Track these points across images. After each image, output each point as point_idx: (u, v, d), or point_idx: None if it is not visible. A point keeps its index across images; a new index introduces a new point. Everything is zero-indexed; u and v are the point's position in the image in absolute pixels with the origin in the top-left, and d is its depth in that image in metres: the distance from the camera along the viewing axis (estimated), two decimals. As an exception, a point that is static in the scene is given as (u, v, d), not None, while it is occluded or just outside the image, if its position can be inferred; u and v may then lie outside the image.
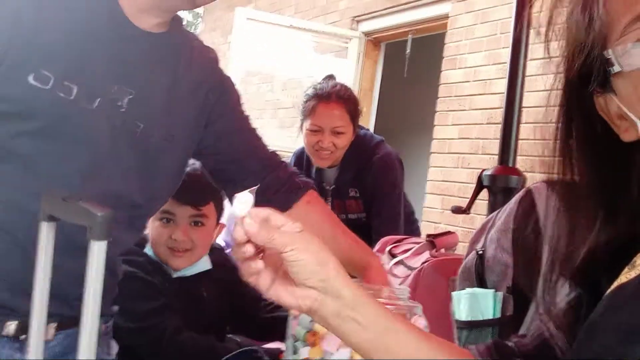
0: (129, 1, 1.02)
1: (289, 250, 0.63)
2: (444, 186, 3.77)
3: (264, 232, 0.63)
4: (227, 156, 1.20)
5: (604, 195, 0.62)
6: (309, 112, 2.03)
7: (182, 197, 1.45)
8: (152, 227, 1.47)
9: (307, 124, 2.04)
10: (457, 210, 1.65)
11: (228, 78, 1.24)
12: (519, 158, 2.54)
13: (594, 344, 0.54)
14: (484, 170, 1.66)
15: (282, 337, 1.58)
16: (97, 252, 0.69)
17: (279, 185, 1.21)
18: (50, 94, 0.94)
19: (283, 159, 1.33)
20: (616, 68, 0.56)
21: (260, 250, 0.64)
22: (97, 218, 0.69)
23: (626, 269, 0.55)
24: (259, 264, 0.64)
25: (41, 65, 0.94)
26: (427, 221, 3.86)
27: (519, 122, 1.74)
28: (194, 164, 1.51)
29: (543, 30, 0.63)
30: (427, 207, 3.89)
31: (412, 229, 2.21)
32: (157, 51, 1.06)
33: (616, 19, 0.57)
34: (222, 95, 1.19)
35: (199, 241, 1.50)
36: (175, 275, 1.49)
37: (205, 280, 1.55)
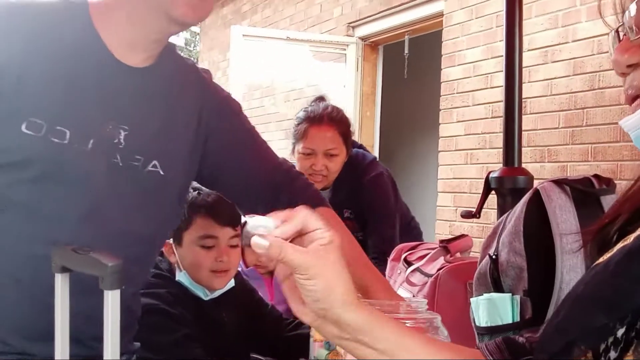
0: (114, 37, 1.02)
1: (298, 273, 0.61)
2: (455, 183, 3.76)
3: (275, 248, 0.61)
4: (232, 178, 1.19)
5: None
6: (301, 136, 2.00)
7: (223, 218, 1.50)
8: (190, 254, 1.50)
9: (299, 147, 2.01)
10: (467, 215, 1.65)
11: (223, 94, 1.23)
12: (528, 150, 2.52)
13: (562, 312, 0.57)
14: (490, 172, 1.65)
15: (306, 355, 1.59)
16: (111, 301, 0.70)
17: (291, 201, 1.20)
18: (44, 140, 0.95)
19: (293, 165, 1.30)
20: None
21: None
22: (107, 268, 0.70)
23: (605, 254, 0.58)
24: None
25: (32, 113, 0.95)
26: (441, 220, 3.85)
27: (520, 118, 1.73)
28: None
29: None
30: (440, 206, 3.88)
31: (413, 234, 2.20)
32: (147, 86, 1.06)
33: None
34: (216, 110, 1.17)
35: (235, 262, 1.54)
36: (208, 297, 1.52)
37: (226, 304, 1.56)
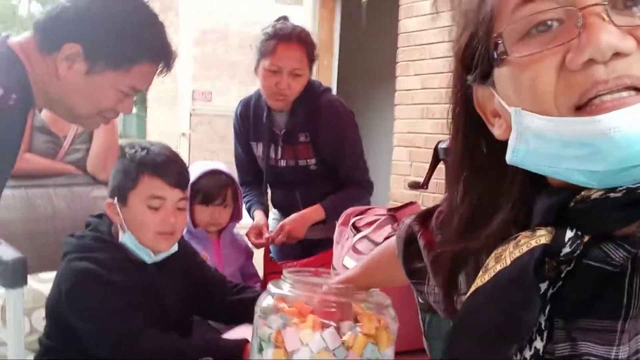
0: None
1: None
2: (410, 137, 3.74)
3: None
4: None
5: (477, 202, 0.61)
6: (268, 52, 1.94)
7: (173, 179, 1.45)
8: (136, 214, 1.45)
9: (265, 64, 1.96)
10: (414, 185, 1.61)
11: None
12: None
13: (457, 347, 0.56)
14: (439, 142, 1.60)
15: (251, 320, 1.57)
16: (14, 301, 0.63)
17: None
18: None
19: None
20: (501, 55, 0.52)
21: None
22: (8, 265, 0.63)
23: (480, 273, 0.56)
24: None
25: None
26: (397, 174, 3.84)
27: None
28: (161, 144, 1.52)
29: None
30: (396, 160, 3.86)
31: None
32: None
33: (505, 1, 0.52)
34: None
35: (181, 225, 1.50)
36: (152, 260, 1.48)
37: (169, 269, 1.52)
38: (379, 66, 5.40)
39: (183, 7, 4.43)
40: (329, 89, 2.15)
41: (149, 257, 1.48)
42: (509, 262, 0.53)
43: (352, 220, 1.66)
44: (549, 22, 0.50)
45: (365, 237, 1.53)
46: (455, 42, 0.58)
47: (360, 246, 1.52)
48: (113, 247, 1.48)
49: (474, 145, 0.60)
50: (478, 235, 0.59)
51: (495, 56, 0.53)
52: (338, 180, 2.10)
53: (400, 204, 1.48)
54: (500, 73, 0.54)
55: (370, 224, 1.59)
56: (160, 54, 1.25)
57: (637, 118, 0.46)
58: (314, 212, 2.06)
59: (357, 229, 1.62)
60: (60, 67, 1.15)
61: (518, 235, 0.54)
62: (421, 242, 0.78)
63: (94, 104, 1.20)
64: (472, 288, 0.56)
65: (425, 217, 0.81)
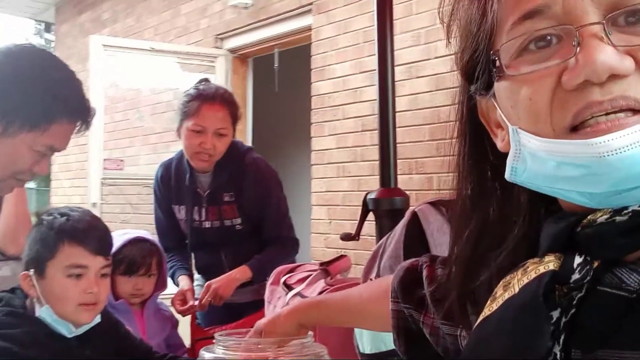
0: None
1: None
2: (328, 196, 3.79)
3: None
4: None
5: (483, 214, 0.59)
6: (192, 113, 1.97)
7: (96, 247, 1.38)
8: (55, 286, 1.36)
9: (189, 124, 1.97)
10: (346, 237, 1.63)
11: None
12: (397, 162, 2.63)
13: None
14: (367, 193, 1.65)
15: (180, 390, 1.49)
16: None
17: None
18: None
19: None
20: (498, 71, 0.52)
21: None
22: None
23: (489, 302, 0.54)
24: None
25: None
26: (316, 233, 3.86)
27: (394, 141, 1.76)
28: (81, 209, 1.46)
29: (446, 21, 0.60)
30: (315, 219, 3.89)
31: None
32: None
33: (505, 16, 0.52)
34: None
35: (105, 294, 1.42)
36: (72, 334, 1.38)
37: (91, 341, 1.43)
38: (293, 128, 5.51)
39: (92, 76, 4.35)
40: (251, 149, 2.19)
41: (68, 332, 1.39)
42: (517, 290, 0.51)
43: (282, 279, 1.65)
44: (548, 37, 0.49)
45: (298, 293, 1.51)
46: (458, 54, 0.58)
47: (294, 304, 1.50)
48: (29, 321, 1.37)
49: (480, 157, 0.59)
50: (490, 254, 0.57)
51: (494, 72, 0.52)
52: (263, 239, 2.10)
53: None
54: (500, 88, 0.53)
55: (302, 280, 1.59)
56: (78, 111, 1.22)
57: (633, 140, 0.45)
58: (241, 272, 2.03)
59: (288, 287, 1.60)
60: None
61: (526, 263, 0.53)
62: (425, 272, 0.77)
63: (9, 166, 1.15)
64: (480, 317, 0.54)
65: (432, 257, 0.81)
